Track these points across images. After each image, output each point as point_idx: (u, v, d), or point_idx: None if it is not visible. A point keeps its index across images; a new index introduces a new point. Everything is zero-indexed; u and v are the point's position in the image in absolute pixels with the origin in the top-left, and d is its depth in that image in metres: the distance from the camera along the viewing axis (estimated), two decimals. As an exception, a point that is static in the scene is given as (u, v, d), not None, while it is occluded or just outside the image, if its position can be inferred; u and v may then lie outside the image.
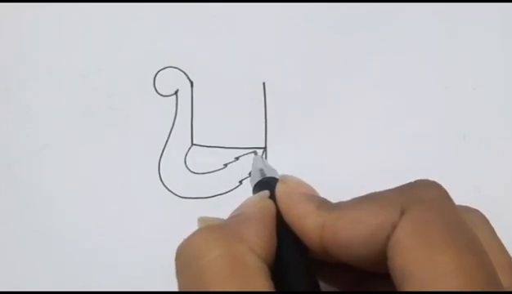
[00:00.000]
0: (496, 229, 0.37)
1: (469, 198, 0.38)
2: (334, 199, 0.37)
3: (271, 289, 0.19)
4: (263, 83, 0.38)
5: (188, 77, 0.38)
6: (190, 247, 0.20)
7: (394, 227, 0.19)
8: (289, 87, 0.38)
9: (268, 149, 0.38)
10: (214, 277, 0.18)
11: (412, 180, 0.39)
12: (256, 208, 0.22)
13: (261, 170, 0.27)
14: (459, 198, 0.38)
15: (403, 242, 0.18)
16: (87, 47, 0.39)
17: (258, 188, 0.25)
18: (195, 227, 0.37)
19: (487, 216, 0.39)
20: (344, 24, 0.39)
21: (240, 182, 0.37)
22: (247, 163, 0.38)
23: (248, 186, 0.38)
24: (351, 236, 0.20)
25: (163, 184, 0.37)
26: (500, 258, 0.22)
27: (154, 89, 0.38)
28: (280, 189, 0.22)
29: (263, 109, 0.38)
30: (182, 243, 0.20)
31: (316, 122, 0.38)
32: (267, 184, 0.25)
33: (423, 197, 0.19)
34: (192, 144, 0.38)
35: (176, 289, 0.37)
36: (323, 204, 0.21)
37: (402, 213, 0.19)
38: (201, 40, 0.39)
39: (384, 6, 0.39)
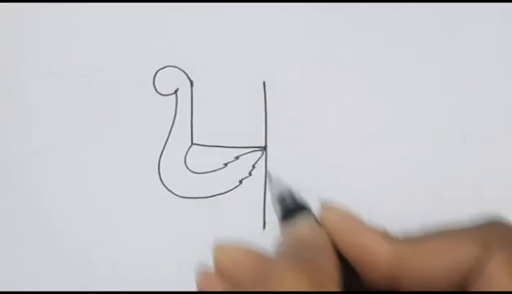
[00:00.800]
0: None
1: (469, 197, 0.38)
2: (334, 198, 0.37)
3: None
4: (263, 82, 0.38)
5: (188, 77, 0.38)
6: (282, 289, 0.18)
7: (478, 261, 0.19)
8: (289, 87, 0.38)
9: (268, 149, 0.38)
10: None
11: (412, 179, 0.39)
12: (321, 238, 0.21)
13: (283, 196, 0.25)
14: (459, 198, 0.38)
15: (499, 279, 0.18)
16: (87, 47, 0.39)
17: (287, 216, 0.24)
18: (195, 227, 0.38)
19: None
20: (344, 23, 0.39)
21: (240, 182, 0.37)
22: (247, 163, 0.38)
23: (247, 186, 0.38)
24: (431, 266, 0.19)
25: (163, 184, 0.37)
26: None
27: (153, 88, 0.38)
28: (330, 217, 0.21)
29: (263, 108, 0.38)
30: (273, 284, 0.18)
31: (316, 122, 0.38)
32: (294, 211, 0.24)
33: (505, 234, 0.20)
34: (192, 143, 0.38)
35: (175, 288, 0.37)
36: (388, 234, 0.21)
37: (487, 248, 0.19)
38: (201, 40, 0.39)
39: (384, 6, 0.39)
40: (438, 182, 0.38)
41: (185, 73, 0.38)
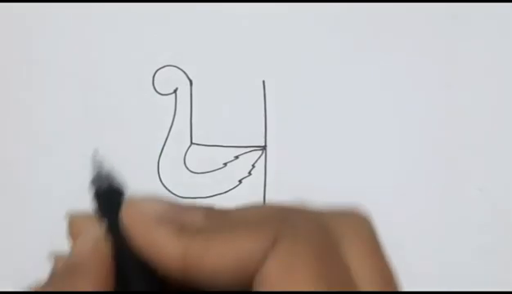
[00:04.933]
0: (496, 228, 0.37)
1: (469, 197, 0.38)
2: (332, 198, 0.36)
3: None
4: (263, 82, 0.38)
5: (187, 76, 0.38)
6: None
7: (263, 258, 0.17)
8: (289, 87, 0.38)
9: (268, 148, 0.38)
10: None
11: (414, 180, 0.38)
12: (86, 254, 0.19)
13: (98, 175, 0.22)
14: (460, 198, 0.38)
15: (270, 279, 0.17)
16: (88, 47, 0.39)
17: (96, 203, 0.21)
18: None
19: (489, 216, 0.39)
20: (345, 23, 0.39)
21: (240, 181, 0.37)
22: (247, 162, 0.38)
23: (247, 186, 0.38)
24: (218, 266, 0.18)
25: (163, 184, 0.37)
26: (378, 272, 0.21)
27: (153, 88, 0.38)
28: (128, 213, 0.19)
29: (263, 107, 0.38)
30: None
31: (315, 121, 0.38)
32: (107, 197, 0.20)
33: (298, 228, 0.18)
34: (191, 143, 0.38)
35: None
36: (184, 228, 0.18)
37: (275, 241, 0.17)
38: (201, 39, 0.39)
39: (384, 6, 0.39)
40: (438, 182, 0.37)
41: (184, 72, 0.38)
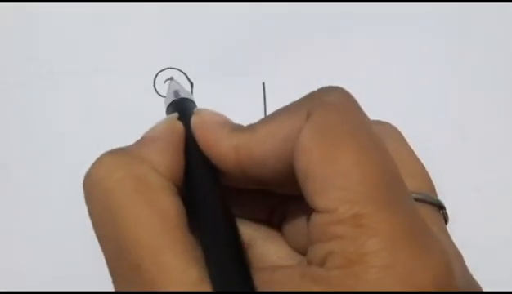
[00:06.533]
0: (495, 228, 0.37)
1: (469, 197, 0.38)
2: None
3: (177, 205, 0.19)
4: (263, 83, 0.38)
5: (188, 78, 0.38)
6: (93, 175, 0.19)
7: (299, 132, 0.19)
8: (289, 87, 0.38)
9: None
10: (118, 197, 0.18)
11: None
12: (160, 130, 0.21)
13: (175, 92, 0.26)
14: (459, 198, 0.38)
15: (305, 143, 0.18)
16: (87, 47, 0.39)
17: (170, 110, 0.25)
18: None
19: (487, 217, 0.39)
20: (344, 24, 0.39)
21: (240, 182, 0.37)
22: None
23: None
24: (264, 150, 0.20)
25: (164, 185, 0.37)
26: (409, 163, 0.23)
27: (154, 89, 0.38)
28: (195, 119, 0.22)
29: (263, 109, 0.38)
30: (87, 172, 0.20)
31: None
32: (179, 105, 0.25)
33: (327, 100, 0.19)
34: (192, 144, 0.38)
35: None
36: (236, 127, 0.21)
37: (308, 115, 0.19)
38: (201, 41, 0.39)
39: (384, 7, 0.39)
40: (437, 182, 0.38)
41: (185, 74, 0.38)
